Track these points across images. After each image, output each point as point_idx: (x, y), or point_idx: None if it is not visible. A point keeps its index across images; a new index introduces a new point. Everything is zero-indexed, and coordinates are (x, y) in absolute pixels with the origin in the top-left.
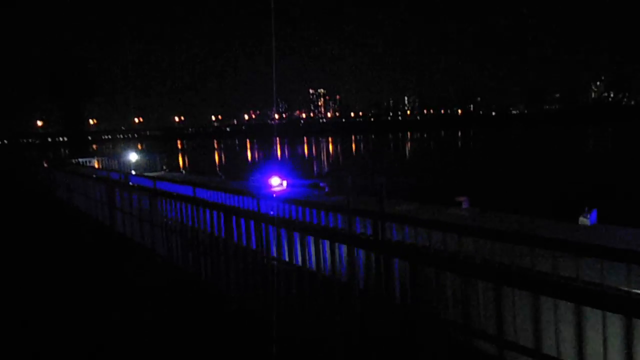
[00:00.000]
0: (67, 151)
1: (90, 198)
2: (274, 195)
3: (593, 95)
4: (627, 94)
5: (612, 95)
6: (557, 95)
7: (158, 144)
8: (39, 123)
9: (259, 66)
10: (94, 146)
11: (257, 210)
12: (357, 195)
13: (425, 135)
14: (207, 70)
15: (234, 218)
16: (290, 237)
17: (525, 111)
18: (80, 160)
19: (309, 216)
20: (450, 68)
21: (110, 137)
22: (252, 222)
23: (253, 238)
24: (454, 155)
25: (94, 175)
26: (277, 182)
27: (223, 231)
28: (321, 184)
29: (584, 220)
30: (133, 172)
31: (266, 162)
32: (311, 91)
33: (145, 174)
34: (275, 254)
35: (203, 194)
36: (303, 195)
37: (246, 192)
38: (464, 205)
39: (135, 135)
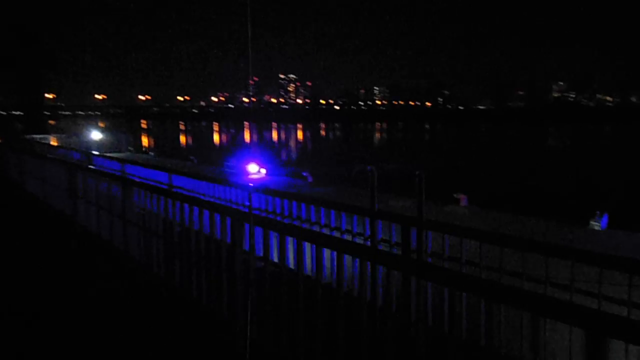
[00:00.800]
0: (21, 126)
1: (47, 183)
2: (251, 184)
3: (555, 95)
4: (587, 95)
5: (573, 95)
6: (521, 93)
7: (121, 123)
8: None
9: (229, 48)
10: (52, 122)
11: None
12: (339, 185)
13: (396, 127)
14: (175, 50)
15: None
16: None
17: (492, 107)
18: (36, 137)
19: (300, 211)
20: (421, 60)
21: (70, 113)
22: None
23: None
24: (426, 147)
25: (52, 156)
26: (255, 170)
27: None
28: (304, 174)
29: (594, 225)
30: (96, 153)
31: (242, 147)
32: (282, 76)
33: (110, 154)
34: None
35: (181, 181)
36: (285, 185)
37: (235, 184)
38: (463, 203)
39: (97, 113)
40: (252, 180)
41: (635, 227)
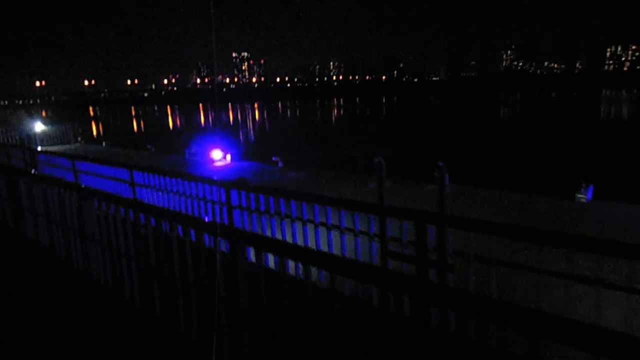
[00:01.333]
0: None
1: None
2: (218, 170)
3: (504, 63)
4: (533, 63)
5: (521, 64)
6: (473, 63)
7: (67, 112)
8: None
9: (177, 28)
10: None
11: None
12: (308, 169)
13: (354, 103)
14: (121, 31)
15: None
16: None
17: (444, 78)
18: None
19: (290, 208)
20: (375, 34)
21: (6, 102)
22: None
23: None
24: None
25: None
26: (219, 156)
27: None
28: (274, 158)
29: (580, 197)
30: (40, 148)
31: (200, 131)
32: (234, 55)
33: (57, 150)
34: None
35: (145, 179)
36: (255, 171)
37: (209, 180)
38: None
39: (38, 101)
40: (218, 168)
41: (618, 197)
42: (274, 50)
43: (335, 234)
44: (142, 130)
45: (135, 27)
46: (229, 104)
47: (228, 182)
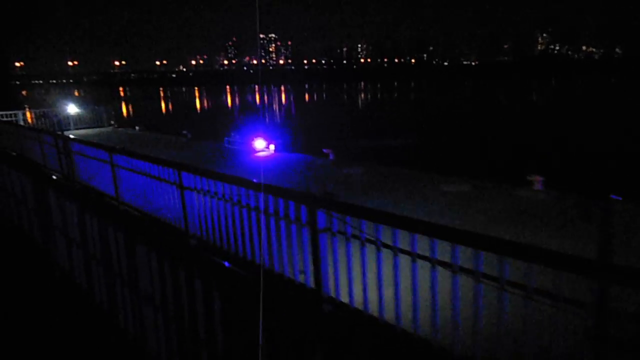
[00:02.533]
0: None
1: (13, 196)
2: (260, 161)
3: (540, 47)
4: (571, 48)
5: (557, 48)
6: (506, 46)
7: (97, 91)
8: None
9: (204, 9)
10: (24, 92)
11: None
12: (364, 162)
13: (384, 85)
14: (150, 11)
15: None
16: None
17: (476, 62)
18: (2, 113)
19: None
20: (404, 15)
21: (41, 82)
22: None
23: None
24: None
25: (14, 155)
26: (262, 146)
27: None
28: (325, 150)
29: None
30: (73, 131)
31: (237, 115)
32: (262, 36)
33: (90, 133)
34: None
35: (195, 182)
36: (302, 164)
37: (291, 193)
38: (538, 187)
39: (70, 81)
40: (261, 159)
41: None
42: (302, 32)
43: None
44: (172, 112)
45: (165, 8)
46: (256, 86)
47: (317, 199)
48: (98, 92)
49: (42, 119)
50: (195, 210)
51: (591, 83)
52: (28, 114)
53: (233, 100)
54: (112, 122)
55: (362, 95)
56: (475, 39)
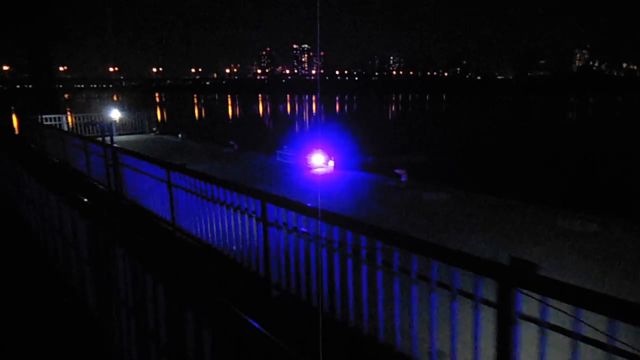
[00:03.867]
0: (33, 101)
1: (54, 228)
2: (319, 180)
3: (578, 63)
4: (610, 64)
5: (596, 64)
6: (542, 62)
7: (135, 96)
8: (5, 68)
9: (240, 19)
10: (66, 95)
11: None
12: (442, 185)
13: (417, 98)
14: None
15: None
16: None
17: (511, 77)
18: (47, 117)
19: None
20: (437, 28)
21: (82, 86)
22: None
23: None
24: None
25: (58, 164)
26: (320, 161)
27: None
28: (397, 171)
29: None
30: (116, 138)
31: (281, 125)
32: (295, 46)
33: (133, 140)
34: None
35: (278, 215)
36: (370, 185)
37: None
38: None
39: (110, 86)
40: (319, 176)
41: None
42: (334, 43)
43: None
44: (208, 118)
45: (200, 16)
46: (287, 96)
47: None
48: (135, 97)
49: (85, 124)
50: (277, 250)
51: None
52: (70, 118)
53: (276, 108)
54: (154, 129)
55: (398, 107)
56: (510, 53)
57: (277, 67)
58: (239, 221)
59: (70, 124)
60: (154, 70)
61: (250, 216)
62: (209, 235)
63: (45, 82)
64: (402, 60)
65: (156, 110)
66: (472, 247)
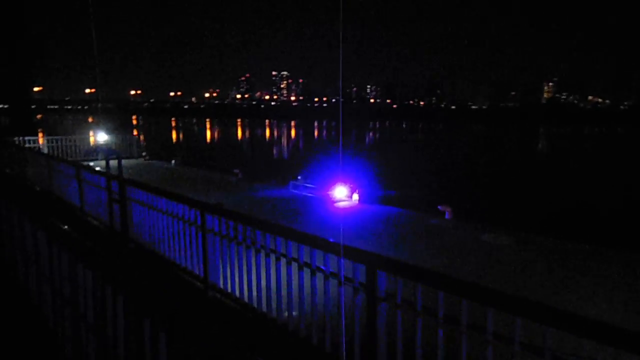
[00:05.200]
0: (7, 122)
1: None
2: (343, 215)
3: (546, 95)
4: (577, 97)
5: (564, 96)
6: (513, 93)
7: (112, 118)
8: None
9: (221, 44)
10: (38, 116)
11: None
12: (485, 224)
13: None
14: (168, 44)
15: None
16: None
17: (484, 107)
18: (30, 139)
19: None
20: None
21: (57, 107)
22: None
23: None
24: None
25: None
26: (343, 194)
27: None
28: (440, 207)
29: None
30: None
31: (293, 153)
32: (274, 73)
33: (123, 165)
34: None
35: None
36: (410, 223)
37: None
38: None
39: (86, 107)
40: (342, 210)
41: None
42: (313, 71)
43: None
44: (197, 143)
45: (181, 40)
46: (266, 121)
47: None
48: (111, 119)
49: (63, 147)
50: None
51: (600, 132)
52: (40, 140)
53: (264, 133)
54: (144, 154)
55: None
56: (483, 84)
57: (256, 92)
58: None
59: (40, 144)
60: (132, 92)
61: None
62: (254, 295)
63: (20, 102)
64: (379, 89)
65: (134, 133)
66: (601, 315)
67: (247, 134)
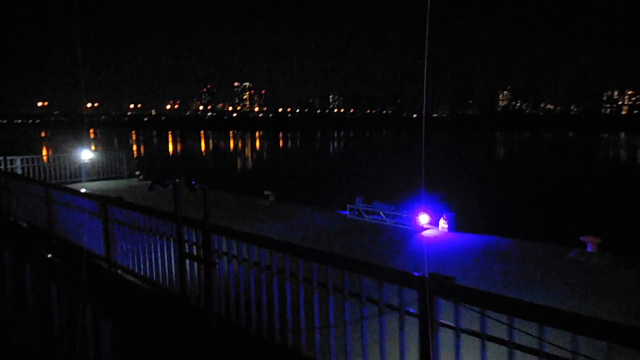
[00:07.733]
0: None
1: None
2: (428, 243)
3: (502, 103)
4: (530, 104)
5: (519, 104)
6: (470, 101)
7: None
8: None
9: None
10: None
11: None
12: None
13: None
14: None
15: None
16: None
17: (444, 115)
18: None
19: None
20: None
21: (5, 121)
22: None
23: None
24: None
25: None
26: (426, 221)
27: None
28: (582, 238)
29: None
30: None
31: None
32: (236, 84)
33: (112, 187)
34: None
35: None
36: (533, 256)
37: None
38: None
39: (37, 121)
40: (430, 241)
41: None
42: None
43: None
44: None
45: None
46: (230, 132)
47: None
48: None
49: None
50: None
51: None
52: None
53: (278, 144)
54: (137, 173)
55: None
56: (443, 93)
57: (219, 104)
58: None
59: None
60: (89, 105)
61: None
62: None
63: None
64: (342, 99)
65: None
66: None
67: (239, 145)
